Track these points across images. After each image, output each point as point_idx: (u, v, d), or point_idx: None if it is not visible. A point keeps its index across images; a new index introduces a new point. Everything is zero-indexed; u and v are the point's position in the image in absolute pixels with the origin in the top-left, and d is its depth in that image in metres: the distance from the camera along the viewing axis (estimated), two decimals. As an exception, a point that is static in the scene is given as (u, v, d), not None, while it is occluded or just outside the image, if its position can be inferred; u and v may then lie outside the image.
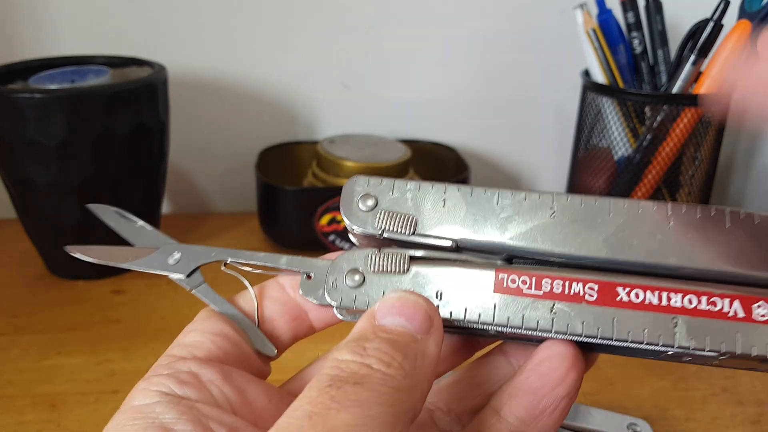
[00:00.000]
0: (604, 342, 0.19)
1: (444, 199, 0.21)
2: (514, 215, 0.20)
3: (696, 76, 0.52)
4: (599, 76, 0.54)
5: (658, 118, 0.52)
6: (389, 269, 0.21)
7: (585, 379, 0.42)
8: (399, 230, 0.21)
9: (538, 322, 0.19)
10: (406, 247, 0.21)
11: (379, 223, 0.21)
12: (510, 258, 0.21)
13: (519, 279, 0.20)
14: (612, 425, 0.34)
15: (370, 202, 0.21)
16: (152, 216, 0.55)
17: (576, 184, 0.58)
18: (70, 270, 0.53)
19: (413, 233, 0.21)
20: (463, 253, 0.21)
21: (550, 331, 0.19)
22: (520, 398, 0.19)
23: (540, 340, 0.20)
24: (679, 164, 0.53)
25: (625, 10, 0.54)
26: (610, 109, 0.54)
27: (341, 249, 0.54)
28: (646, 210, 0.20)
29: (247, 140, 0.64)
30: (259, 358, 0.22)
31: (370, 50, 0.63)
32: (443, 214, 0.21)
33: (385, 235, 0.21)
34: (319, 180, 0.57)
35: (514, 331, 0.19)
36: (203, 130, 0.64)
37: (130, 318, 0.48)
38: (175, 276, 0.23)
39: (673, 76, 0.52)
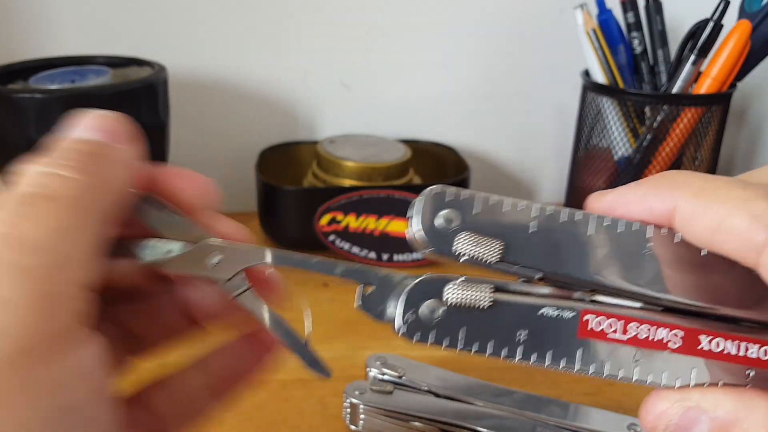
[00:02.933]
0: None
1: (531, 222, 0.19)
2: (606, 247, 0.19)
3: (696, 76, 0.52)
4: (599, 76, 0.54)
5: (658, 118, 0.52)
6: (470, 303, 0.19)
7: (585, 379, 0.42)
8: (482, 258, 0.19)
9: (620, 371, 0.19)
10: (486, 271, 0.19)
11: (461, 247, 0.19)
12: (593, 291, 0.19)
13: (605, 322, 0.19)
14: (612, 425, 0.34)
15: (450, 218, 0.19)
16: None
17: (576, 185, 0.59)
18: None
19: (498, 261, 0.19)
20: (546, 284, 0.19)
21: (631, 380, 0.19)
22: None
23: None
24: (679, 164, 0.53)
25: (625, 10, 0.54)
26: (610, 109, 0.54)
27: (341, 249, 0.54)
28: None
29: (247, 140, 0.64)
30: None
31: (370, 50, 0.63)
32: (529, 239, 0.19)
33: (465, 260, 0.19)
34: (319, 180, 0.57)
35: (589, 374, 0.19)
36: (203, 130, 0.64)
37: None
38: (215, 279, 0.20)
39: (673, 76, 0.52)
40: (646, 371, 0.19)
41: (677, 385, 0.19)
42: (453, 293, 0.19)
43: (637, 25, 0.54)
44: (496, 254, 0.19)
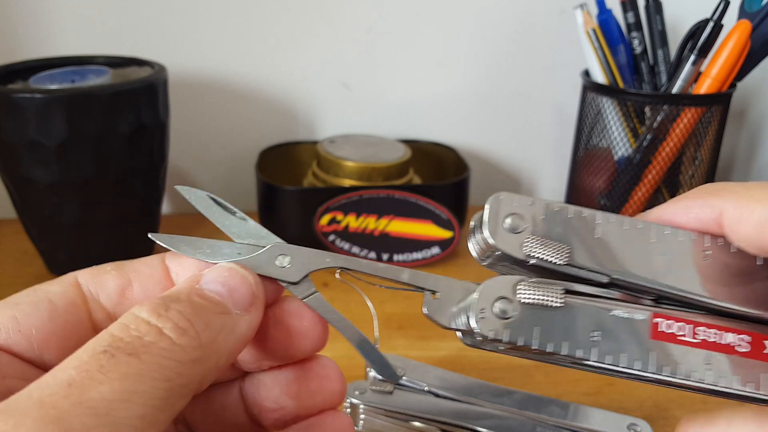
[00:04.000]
0: (744, 394, 0.19)
1: (596, 228, 0.19)
2: (669, 253, 0.19)
3: (696, 76, 0.52)
4: (599, 76, 0.54)
5: (658, 118, 0.52)
6: (542, 301, 0.19)
7: (585, 379, 0.42)
8: (552, 260, 0.19)
9: (692, 374, 0.19)
10: (552, 277, 0.19)
11: (530, 250, 0.19)
12: (658, 298, 0.20)
13: (675, 325, 0.19)
14: (612, 425, 0.34)
15: (517, 223, 0.19)
16: (152, 216, 0.55)
17: (576, 185, 0.58)
18: (71, 270, 0.53)
19: (566, 264, 0.19)
20: (614, 289, 0.20)
21: (703, 382, 0.19)
22: None
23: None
24: (679, 164, 0.53)
25: (625, 10, 0.54)
26: (610, 109, 0.54)
27: (341, 249, 0.54)
28: None
29: (247, 140, 0.64)
30: None
31: (370, 50, 0.63)
32: (595, 244, 0.19)
33: (534, 262, 0.19)
34: (319, 180, 0.57)
35: (663, 378, 0.19)
36: (203, 130, 0.64)
37: (130, 318, 0.48)
38: (284, 282, 0.20)
39: (673, 76, 0.52)
40: (718, 375, 0.19)
41: (748, 389, 0.19)
42: (525, 292, 0.19)
43: (637, 25, 0.54)
44: (564, 257, 0.19)
